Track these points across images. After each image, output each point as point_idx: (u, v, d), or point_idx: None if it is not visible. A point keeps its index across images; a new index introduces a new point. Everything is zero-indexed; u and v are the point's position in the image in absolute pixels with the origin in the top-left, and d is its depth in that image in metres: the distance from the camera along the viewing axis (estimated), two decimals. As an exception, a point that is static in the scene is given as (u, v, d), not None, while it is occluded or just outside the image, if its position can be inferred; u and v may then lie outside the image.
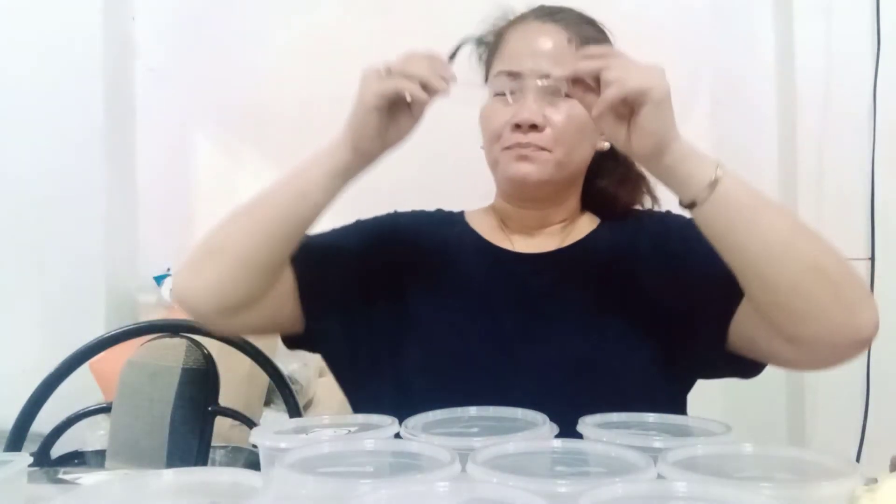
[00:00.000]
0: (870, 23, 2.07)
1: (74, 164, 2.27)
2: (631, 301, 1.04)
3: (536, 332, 1.04)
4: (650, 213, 1.14)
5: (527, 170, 1.03)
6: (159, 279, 2.32)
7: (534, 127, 1.01)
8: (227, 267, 0.97)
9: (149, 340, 1.40)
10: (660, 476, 0.62)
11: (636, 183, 1.14)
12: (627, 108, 0.86)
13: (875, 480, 0.62)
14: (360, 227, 1.14)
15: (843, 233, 2.08)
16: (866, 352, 2.20)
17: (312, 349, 1.12)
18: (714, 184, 0.86)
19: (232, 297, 0.98)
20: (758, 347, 0.97)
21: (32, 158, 2.27)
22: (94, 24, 2.30)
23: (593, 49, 0.93)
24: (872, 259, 2.09)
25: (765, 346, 0.95)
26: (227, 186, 2.45)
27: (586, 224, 1.13)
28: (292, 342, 1.10)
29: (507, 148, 1.03)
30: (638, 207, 1.15)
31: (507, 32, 1.09)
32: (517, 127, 1.02)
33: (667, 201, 1.08)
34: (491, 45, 1.12)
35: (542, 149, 1.02)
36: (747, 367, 1.01)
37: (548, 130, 1.02)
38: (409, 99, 0.90)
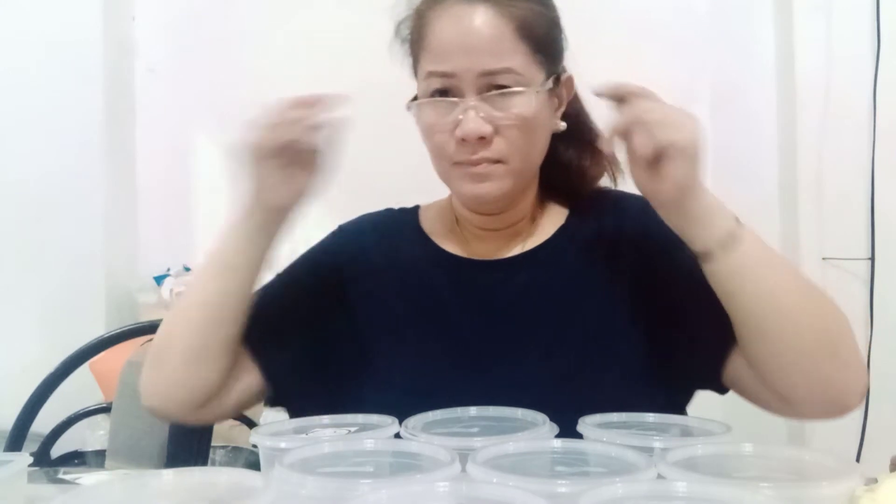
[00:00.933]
0: (870, 23, 2.07)
1: (74, 164, 2.27)
2: (610, 307, 0.96)
3: (506, 349, 0.95)
4: (626, 201, 1.02)
5: (483, 190, 0.93)
6: (159, 279, 2.32)
7: (482, 138, 0.90)
8: (180, 362, 0.92)
9: (149, 340, 1.40)
10: (660, 476, 0.62)
11: (600, 152, 1.03)
12: (655, 155, 0.83)
13: (875, 480, 0.61)
14: (305, 263, 1.05)
15: (843, 233, 2.11)
16: (866, 351, 2.21)
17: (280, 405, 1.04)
18: (730, 238, 0.83)
19: (196, 391, 0.93)
20: (743, 390, 0.93)
21: (32, 158, 2.27)
22: (94, 24, 2.29)
23: (626, 87, 0.84)
24: (872, 259, 2.09)
25: (751, 392, 0.92)
26: (227, 186, 2.45)
27: (552, 218, 1.04)
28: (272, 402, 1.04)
29: (457, 164, 0.93)
30: (607, 186, 1.05)
31: (428, 15, 0.94)
32: (464, 141, 0.91)
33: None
34: (413, 29, 0.97)
35: (497, 161, 0.92)
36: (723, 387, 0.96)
37: (498, 140, 0.91)
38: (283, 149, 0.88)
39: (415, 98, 0.98)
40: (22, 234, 2.28)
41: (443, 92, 0.92)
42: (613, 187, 1.06)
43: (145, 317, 2.23)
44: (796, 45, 2.13)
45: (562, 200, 1.06)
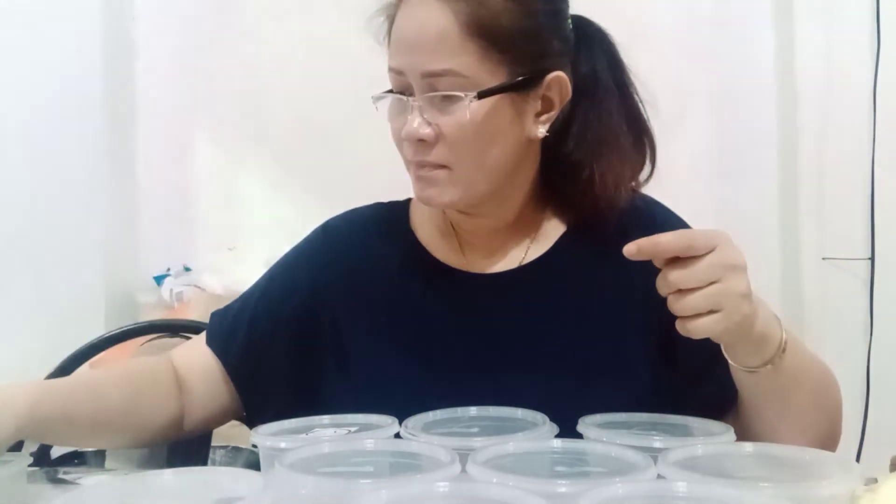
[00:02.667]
0: (870, 23, 2.07)
1: (74, 164, 2.27)
2: (610, 335, 0.92)
3: (497, 372, 0.91)
4: (639, 217, 0.95)
5: (429, 193, 0.89)
6: (159, 279, 2.32)
7: (424, 141, 0.86)
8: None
9: (149, 340, 1.40)
10: (660, 476, 0.62)
11: (616, 162, 0.94)
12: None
13: (875, 480, 0.62)
14: (288, 274, 1.01)
15: (843, 233, 2.10)
16: (866, 351, 2.20)
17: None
18: (778, 353, 0.78)
19: (137, 443, 0.97)
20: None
21: (32, 159, 2.26)
22: (94, 24, 2.29)
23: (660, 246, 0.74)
24: (872, 259, 2.09)
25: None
26: (227, 186, 2.46)
27: (555, 225, 0.98)
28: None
29: (409, 163, 0.90)
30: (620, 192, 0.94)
31: (396, 10, 0.90)
32: (409, 141, 0.88)
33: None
34: (387, 27, 0.93)
35: (439, 166, 0.87)
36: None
37: (440, 145, 0.86)
38: None
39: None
40: (22, 235, 2.27)
41: (399, 89, 0.89)
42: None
43: (145, 317, 2.23)
44: (796, 45, 2.14)
45: (565, 206, 0.99)
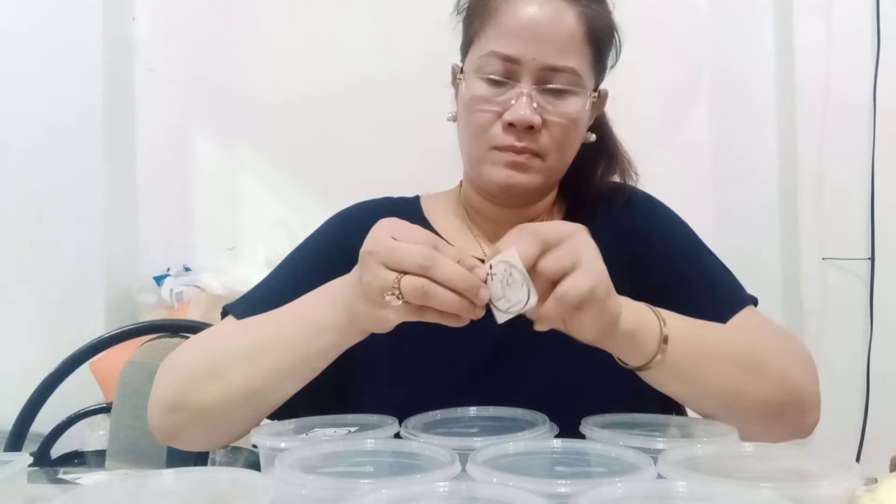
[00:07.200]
0: (870, 23, 2.07)
1: (74, 164, 2.27)
2: None
3: (506, 356, 0.93)
4: (635, 199, 1.01)
5: (517, 179, 0.92)
6: (159, 279, 2.32)
7: (530, 128, 0.89)
8: (219, 433, 0.89)
9: (149, 340, 1.40)
10: (660, 476, 0.62)
11: (621, 164, 1.04)
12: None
13: (875, 480, 0.62)
14: (305, 263, 1.00)
15: (843, 233, 2.11)
16: (866, 351, 2.19)
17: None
18: (660, 347, 0.78)
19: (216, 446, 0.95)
20: None
21: (32, 158, 2.27)
22: (94, 24, 2.29)
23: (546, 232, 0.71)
24: (872, 259, 2.09)
25: None
26: (227, 186, 2.46)
27: (552, 217, 1.03)
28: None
29: (497, 148, 0.91)
30: (614, 182, 1.04)
31: None
32: (510, 126, 0.89)
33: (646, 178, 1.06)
34: (479, 4, 0.94)
35: (536, 155, 0.91)
36: None
37: (544, 134, 0.90)
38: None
39: (461, 70, 0.95)
40: (22, 234, 2.27)
41: (503, 75, 0.90)
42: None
43: (145, 317, 2.23)
44: (796, 45, 2.13)
45: (560, 198, 1.05)
